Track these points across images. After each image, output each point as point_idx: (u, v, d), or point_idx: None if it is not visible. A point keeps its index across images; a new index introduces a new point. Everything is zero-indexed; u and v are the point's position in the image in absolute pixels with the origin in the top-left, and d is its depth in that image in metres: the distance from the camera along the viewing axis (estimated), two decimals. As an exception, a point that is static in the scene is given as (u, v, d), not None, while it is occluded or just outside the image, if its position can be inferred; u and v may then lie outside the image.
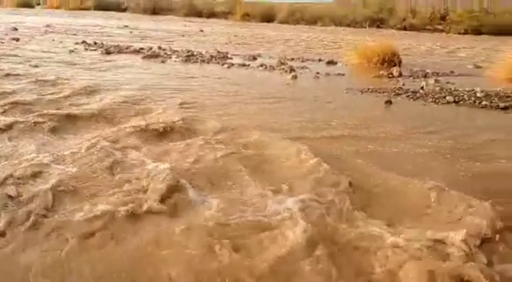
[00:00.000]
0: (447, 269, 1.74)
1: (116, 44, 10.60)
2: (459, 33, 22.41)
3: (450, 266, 1.76)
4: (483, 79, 7.05)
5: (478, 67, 8.72)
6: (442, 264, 1.77)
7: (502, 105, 5.04)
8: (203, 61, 8.41)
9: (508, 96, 5.52)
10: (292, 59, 9.29)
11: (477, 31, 22.42)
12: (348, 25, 25.39)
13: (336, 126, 3.92)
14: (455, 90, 5.87)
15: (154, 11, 32.80)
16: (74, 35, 12.96)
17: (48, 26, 15.13)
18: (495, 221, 2.13)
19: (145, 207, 2.17)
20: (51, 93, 4.70)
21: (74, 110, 3.96)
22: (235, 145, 3.19)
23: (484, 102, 5.17)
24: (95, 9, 33.51)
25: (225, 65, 7.95)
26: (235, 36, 15.92)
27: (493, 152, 3.37)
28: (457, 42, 16.48)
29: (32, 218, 2.04)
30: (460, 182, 2.67)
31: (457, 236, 1.94)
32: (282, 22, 27.46)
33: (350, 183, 2.54)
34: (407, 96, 5.54)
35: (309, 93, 5.58)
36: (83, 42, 10.63)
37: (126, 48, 9.69)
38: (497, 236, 2.03)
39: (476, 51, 13.09)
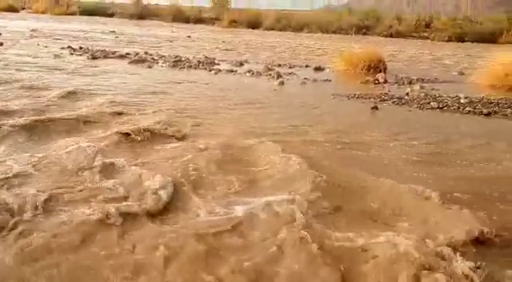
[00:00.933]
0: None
1: (102, 49, 10.51)
2: (443, 41, 22.81)
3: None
4: (466, 86, 7.18)
5: (462, 74, 8.88)
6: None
7: (485, 111, 5.13)
8: (190, 67, 8.38)
9: (491, 103, 5.62)
10: (279, 65, 9.32)
11: (461, 38, 22.86)
12: (334, 32, 25.63)
13: (321, 132, 3.93)
14: (439, 97, 5.96)
15: (141, 17, 32.68)
16: (60, 39, 12.81)
17: (33, 30, 14.92)
18: (472, 225, 2.15)
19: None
20: (35, 98, 4.62)
21: (56, 116, 3.89)
22: (219, 149, 3.17)
23: (467, 109, 5.25)
24: (80, 14, 33.23)
25: (213, 71, 7.94)
26: (222, 42, 15.93)
27: (474, 156, 3.42)
28: (441, 49, 16.77)
29: None
30: (438, 186, 2.69)
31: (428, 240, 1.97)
32: (269, 29, 27.59)
33: (327, 186, 2.56)
34: (393, 102, 5.60)
35: (295, 99, 5.60)
36: (69, 47, 10.50)
37: (112, 53, 9.60)
38: (471, 239, 2.05)
39: (459, 58, 13.33)
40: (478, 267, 1.79)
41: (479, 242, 2.04)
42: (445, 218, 2.26)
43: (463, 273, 1.76)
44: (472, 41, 22.13)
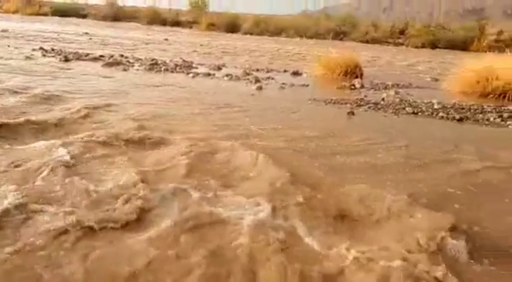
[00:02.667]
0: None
1: (75, 50, 10.27)
2: (417, 47, 23.43)
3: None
4: (440, 91, 7.35)
5: (435, 80, 9.10)
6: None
7: (457, 116, 5.25)
8: (167, 70, 8.27)
9: (463, 108, 5.76)
10: (258, 70, 9.32)
11: (434, 45, 23.56)
12: (312, 37, 25.94)
13: (298, 137, 3.92)
14: (414, 102, 6.07)
15: (116, 18, 32.20)
16: (31, 41, 12.45)
17: (3, 31, 14.45)
18: (438, 229, 2.17)
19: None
20: (2, 101, 4.44)
21: (24, 119, 3.74)
22: (193, 153, 3.11)
23: (441, 114, 5.36)
24: (53, 14, 32.51)
25: (190, 75, 7.86)
26: (200, 45, 15.85)
27: (445, 160, 3.48)
28: (415, 55, 17.17)
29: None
30: (408, 189, 2.72)
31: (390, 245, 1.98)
32: (247, 33, 27.68)
33: (298, 191, 2.54)
34: (369, 107, 5.67)
35: (274, 104, 5.59)
36: (40, 48, 10.21)
37: (86, 56, 9.39)
38: (437, 242, 2.06)
39: (433, 64, 13.68)
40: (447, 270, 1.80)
41: (448, 243, 2.06)
42: (411, 219, 2.28)
43: (434, 277, 1.77)
44: (445, 48, 22.82)
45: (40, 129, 3.55)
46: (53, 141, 3.20)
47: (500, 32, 23.67)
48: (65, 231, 1.95)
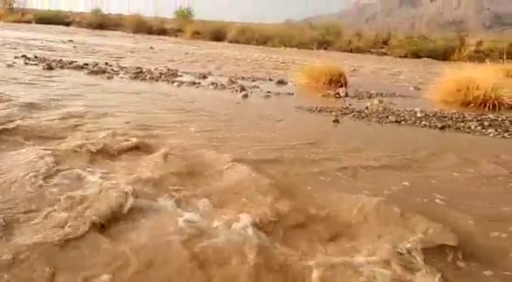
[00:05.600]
0: None
1: (59, 58, 10.16)
2: (400, 57, 23.87)
3: None
4: (422, 100, 7.48)
5: (418, 89, 9.27)
6: None
7: (439, 125, 5.35)
8: (152, 78, 8.23)
9: (445, 117, 5.87)
10: (243, 78, 9.36)
11: (416, 55, 24.05)
12: (297, 46, 26.21)
13: (283, 145, 3.94)
14: (397, 111, 6.16)
15: (101, 26, 32.00)
16: (14, 48, 12.29)
17: (-16, 38, 14.24)
18: (419, 231, 2.22)
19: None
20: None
21: (6, 127, 3.68)
22: (176, 162, 3.10)
23: (423, 122, 5.45)
24: (36, 22, 32.17)
25: (175, 83, 7.83)
26: (185, 54, 15.86)
27: (427, 167, 3.54)
28: (398, 65, 17.47)
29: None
30: (391, 195, 2.79)
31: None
32: (232, 41, 27.80)
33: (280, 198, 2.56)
34: (354, 115, 5.73)
35: (259, 112, 5.61)
36: (23, 56, 10.07)
37: (70, 64, 9.29)
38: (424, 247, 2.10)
39: (415, 73, 13.94)
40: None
41: (433, 249, 2.09)
42: (394, 225, 2.31)
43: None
44: (427, 58, 23.32)
45: (15, 139, 3.49)
46: (24, 149, 3.16)
47: (480, 43, 24.30)
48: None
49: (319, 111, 5.95)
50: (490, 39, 26.31)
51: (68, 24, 32.94)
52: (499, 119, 5.89)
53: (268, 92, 7.48)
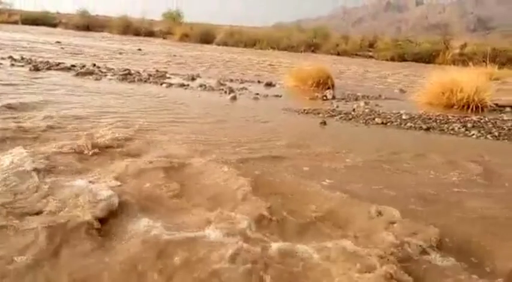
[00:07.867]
0: None
1: (46, 60, 10.08)
2: (386, 60, 24.18)
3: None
4: (407, 103, 7.63)
5: (403, 91, 9.44)
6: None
7: (424, 126, 5.47)
8: (141, 80, 8.22)
9: (430, 119, 6.00)
10: (232, 80, 9.42)
11: (401, 58, 24.39)
12: (285, 49, 26.36)
13: (271, 146, 4.00)
14: (383, 113, 6.28)
15: (88, 28, 31.75)
16: (0, 49, 12.13)
17: (-32, 39, 14.03)
18: (401, 230, 2.29)
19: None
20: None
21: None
22: (164, 164, 3.13)
23: (408, 124, 5.57)
24: (23, 23, 31.76)
25: (164, 85, 7.84)
26: (174, 56, 15.84)
27: (411, 167, 3.63)
28: (384, 68, 17.71)
29: None
30: (376, 195, 2.86)
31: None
32: (220, 44, 27.82)
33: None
34: (341, 117, 5.82)
35: (248, 114, 5.66)
36: (9, 57, 9.97)
37: (57, 65, 9.22)
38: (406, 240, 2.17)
39: (400, 76, 14.16)
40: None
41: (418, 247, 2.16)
42: (379, 224, 2.38)
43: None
44: (412, 61, 23.68)
45: (9, 139, 3.48)
46: (10, 151, 3.15)
47: (464, 46, 24.76)
48: None
49: (307, 113, 6.03)
50: (474, 42, 26.85)
51: (54, 25, 32.59)
52: (482, 120, 6.04)
53: (257, 94, 7.54)
